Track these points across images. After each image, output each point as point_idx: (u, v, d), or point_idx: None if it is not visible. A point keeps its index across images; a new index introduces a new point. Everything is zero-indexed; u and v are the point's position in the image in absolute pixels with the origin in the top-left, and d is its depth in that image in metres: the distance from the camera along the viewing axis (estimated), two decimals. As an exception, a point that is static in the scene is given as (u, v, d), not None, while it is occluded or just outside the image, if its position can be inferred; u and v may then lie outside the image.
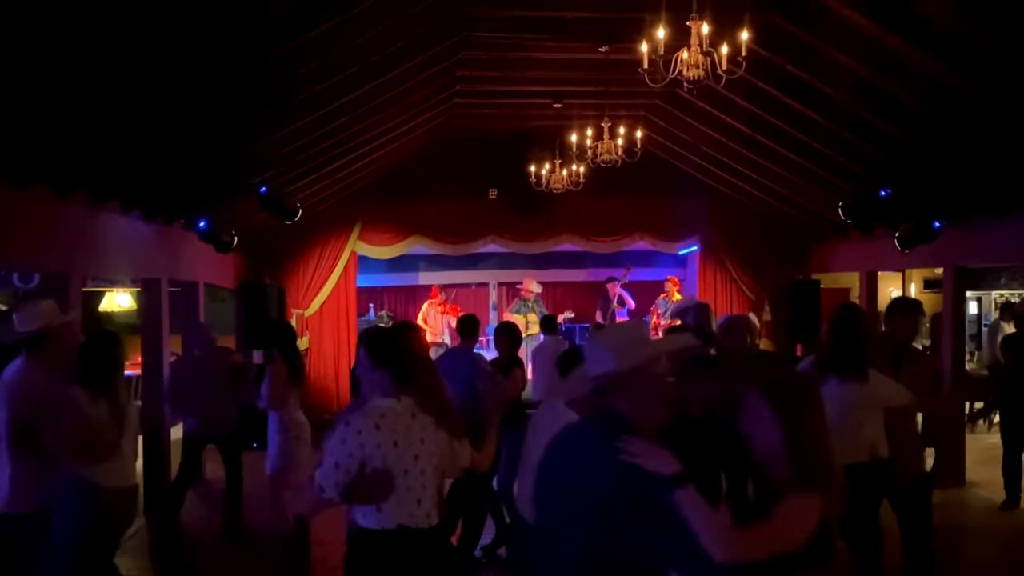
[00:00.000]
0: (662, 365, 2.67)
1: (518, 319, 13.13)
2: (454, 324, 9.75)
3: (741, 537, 2.40)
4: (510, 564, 6.28)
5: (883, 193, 8.47)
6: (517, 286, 13.78)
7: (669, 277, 13.01)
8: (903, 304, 5.44)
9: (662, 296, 12.86)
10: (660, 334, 12.40)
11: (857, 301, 11.25)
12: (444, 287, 13.78)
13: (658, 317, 12.73)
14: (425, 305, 13.59)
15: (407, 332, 3.53)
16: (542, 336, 10.23)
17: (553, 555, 2.62)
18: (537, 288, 13.62)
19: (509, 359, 6.76)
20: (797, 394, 2.60)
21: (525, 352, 12.63)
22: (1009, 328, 9.34)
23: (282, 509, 6.34)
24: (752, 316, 7.00)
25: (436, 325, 13.19)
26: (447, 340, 12.89)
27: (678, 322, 11.81)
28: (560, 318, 13.14)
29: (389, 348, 3.39)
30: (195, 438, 7.45)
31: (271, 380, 5.58)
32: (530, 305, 13.28)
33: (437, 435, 3.35)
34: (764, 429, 2.51)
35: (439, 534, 3.42)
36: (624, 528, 2.41)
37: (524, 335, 12.81)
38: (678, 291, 12.79)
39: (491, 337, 10.03)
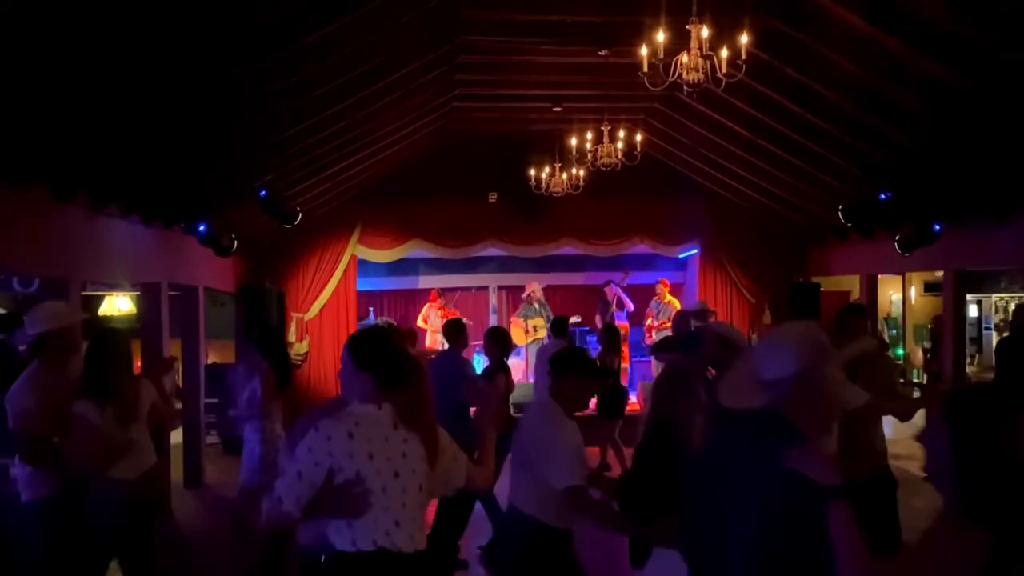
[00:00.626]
0: (836, 371, 2.56)
1: (521, 323, 13.15)
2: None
3: (883, 567, 2.26)
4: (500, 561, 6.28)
5: (883, 196, 8.47)
6: (522, 296, 13.72)
7: (660, 280, 13.03)
8: (850, 309, 5.69)
9: (654, 299, 12.90)
10: (653, 336, 12.44)
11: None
12: (444, 291, 13.77)
13: (652, 319, 12.76)
14: (425, 307, 13.59)
15: (396, 334, 3.29)
16: (547, 339, 10.11)
17: (717, 558, 2.57)
18: (540, 286, 13.60)
19: (496, 364, 6.73)
20: (978, 411, 2.22)
21: (530, 357, 12.67)
22: None
23: (255, 527, 6.26)
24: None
25: (436, 327, 13.17)
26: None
27: (668, 323, 11.98)
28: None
29: (374, 349, 3.05)
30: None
31: (262, 387, 5.55)
32: (536, 309, 13.23)
33: (420, 451, 2.99)
34: (936, 445, 2.27)
35: (424, 561, 3.06)
36: (779, 537, 2.35)
37: (528, 340, 12.89)
38: (669, 292, 12.82)
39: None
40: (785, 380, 2.45)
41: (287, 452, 3.13)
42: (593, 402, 9.09)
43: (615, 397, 9.03)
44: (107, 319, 12.80)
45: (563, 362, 3.97)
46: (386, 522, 2.90)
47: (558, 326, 9.34)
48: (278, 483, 2.89)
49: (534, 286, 13.44)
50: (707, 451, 2.79)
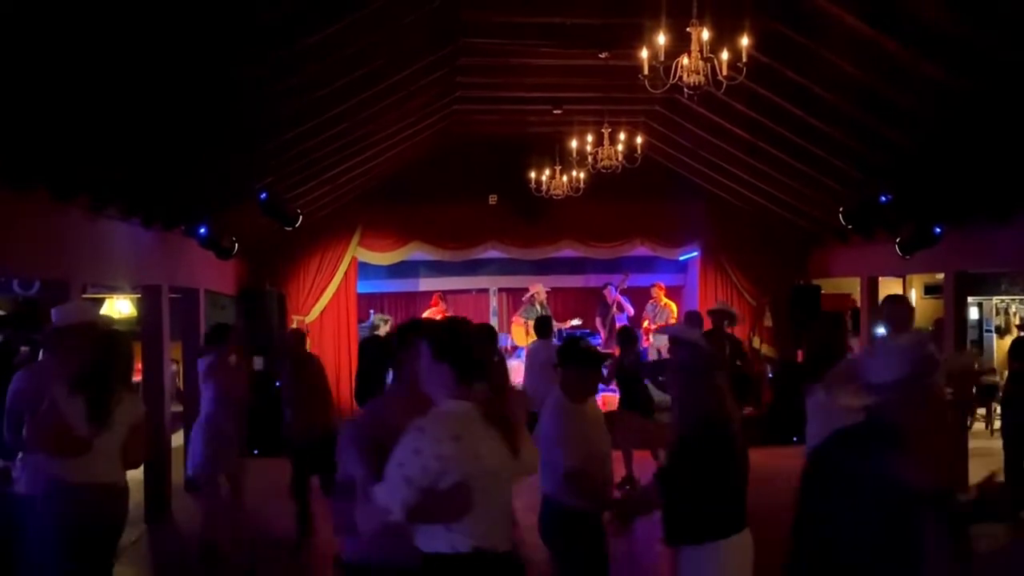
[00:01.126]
0: (940, 379, 2.66)
1: (522, 323, 13.16)
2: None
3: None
4: None
5: (883, 198, 8.47)
6: (524, 297, 13.71)
7: (656, 284, 13.06)
8: (894, 299, 5.62)
9: (650, 302, 12.92)
10: (651, 339, 12.45)
11: (858, 305, 11.28)
12: (445, 296, 13.76)
13: (649, 322, 12.78)
14: (426, 313, 13.57)
15: (474, 327, 3.24)
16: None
17: (806, 554, 2.62)
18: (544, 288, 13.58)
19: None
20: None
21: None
22: None
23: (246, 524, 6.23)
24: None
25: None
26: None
27: (664, 326, 12.00)
28: (567, 324, 13.12)
29: (454, 338, 2.97)
30: (301, 445, 7.16)
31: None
32: (538, 310, 13.21)
33: (506, 446, 2.95)
34: None
35: (517, 558, 3.05)
36: (869, 543, 2.40)
37: (530, 340, 12.85)
38: (665, 295, 12.84)
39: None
40: (890, 385, 2.53)
41: (348, 454, 3.01)
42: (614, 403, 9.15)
43: (639, 396, 8.99)
44: (108, 321, 12.78)
45: (563, 354, 4.26)
46: (486, 522, 2.85)
47: (540, 327, 9.26)
48: (378, 489, 2.78)
49: (538, 287, 13.44)
50: (811, 452, 2.84)
